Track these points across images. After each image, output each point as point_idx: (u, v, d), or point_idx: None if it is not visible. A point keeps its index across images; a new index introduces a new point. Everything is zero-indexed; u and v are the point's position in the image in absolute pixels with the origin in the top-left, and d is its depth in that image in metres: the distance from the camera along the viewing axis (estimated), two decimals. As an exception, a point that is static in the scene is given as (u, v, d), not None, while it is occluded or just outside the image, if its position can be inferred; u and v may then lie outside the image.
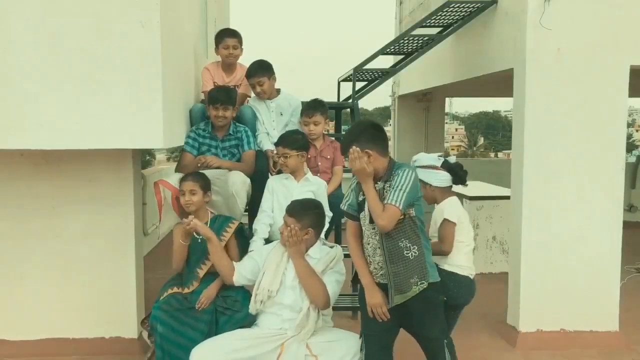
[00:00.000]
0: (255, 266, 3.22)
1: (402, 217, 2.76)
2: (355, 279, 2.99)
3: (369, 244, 2.90)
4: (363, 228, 2.92)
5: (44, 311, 4.14)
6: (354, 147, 2.81)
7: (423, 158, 3.60)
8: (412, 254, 2.79)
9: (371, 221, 2.83)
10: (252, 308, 3.11)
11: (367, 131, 2.89)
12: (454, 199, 3.56)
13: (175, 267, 3.52)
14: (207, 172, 3.82)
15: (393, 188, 2.75)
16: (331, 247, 3.31)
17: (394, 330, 2.96)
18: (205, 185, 3.53)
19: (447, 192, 3.54)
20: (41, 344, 4.11)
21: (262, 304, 3.08)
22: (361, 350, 2.94)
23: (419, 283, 2.78)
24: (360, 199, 2.91)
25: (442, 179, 3.52)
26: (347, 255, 3.19)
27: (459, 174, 3.56)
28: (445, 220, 3.42)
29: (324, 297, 3.03)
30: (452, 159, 3.64)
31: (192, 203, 3.45)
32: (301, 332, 2.97)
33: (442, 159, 3.57)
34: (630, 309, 4.75)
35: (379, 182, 2.84)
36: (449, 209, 3.47)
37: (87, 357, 4.08)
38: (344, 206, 3.00)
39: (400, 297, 2.80)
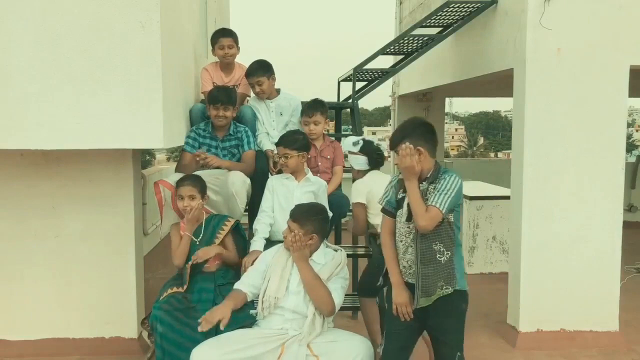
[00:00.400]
0: (259, 274, 3.18)
1: (440, 221, 2.75)
2: (386, 277, 2.97)
3: (401, 241, 2.88)
4: (397, 225, 2.90)
5: (44, 311, 4.14)
6: (406, 143, 2.77)
7: (344, 144, 3.92)
8: (443, 259, 2.77)
9: (408, 219, 2.81)
10: (259, 315, 3.09)
11: (421, 128, 2.85)
12: (363, 179, 3.83)
13: (177, 263, 3.52)
14: (207, 172, 3.83)
15: (438, 191, 2.73)
16: (335, 250, 3.29)
17: (416, 331, 2.94)
18: (203, 188, 3.56)
19: (365, 174, 3.85)
20: (41, 344, 4.11)
21: (268, 310, 3.06)
22: (381, 345, 2.98)
23: (443, 287, 2.77)
24: (400, 196, 2.88)
25: (360, 162, 3.87)
26: (348, 255, 3.19)
27: (373, 157, 3.87)
28: (352, 203, 3.78)
29: (330, 304, 3.02)
30: (369, 141, 3.93)
31: (191, 208, 3.45)
32: (309, 336, 2.96)
33: (361, 144, 3.88)
34: (630, 309, 4.76)
35: (423, 183, 2.80)
36: (354, 191, 3.81)
37: (87, 357, 4.08)
38: (381, 202, 2.98)
39: (425, 299, 2.79)
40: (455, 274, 2.79)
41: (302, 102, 4.38)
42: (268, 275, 3.12)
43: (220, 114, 3.93)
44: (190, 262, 3.43)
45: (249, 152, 4.07)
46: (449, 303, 2.80)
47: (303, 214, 3.15)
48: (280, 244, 3.28)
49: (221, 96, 3.94)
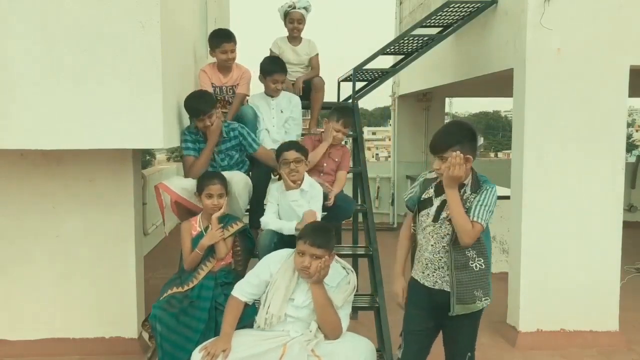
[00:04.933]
0: (261, 284, 3.07)
1: None
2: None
3: (424, 237, 2.82)
4: (421, 222, 2.83)
5: (44, 311, 4.14)
6: (457, 151, 2.62)
7: None
8: (477, 265, 2.74)
9: (434, 220, 2.75)
10: (261, 323, 3.00)
11: (472, 136, 2.70)
12: None
13: (187, 269, 3.51)
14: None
15: (480, 204, 2.67)
16: (343, 267, 3.13)
17: (433, 331, 2.91)
18: (227, 186, 3.58)
19: None
20: (41, 344, 4.11)
21: (269, 327, 2.98)
22: (399, 348, 2.95)
23: (483, 299, 2.74)
24: (425, 197, 2.82)
25: None
26: (348, 255, 3.12)
27: None
28: None
29: (338, 330, 2.95)
30: None
31: (220, 206, 3.47)
32: (312, 343, 2.90)
33: None
34: (630, 309, 4.76)
35: (464, 190, 2.72)
36: None
37: (87, 357, 4.08)
38: (405, 197, 2.97)
39: (462, 307, 2.73)
40: (490, 283, 2.78)
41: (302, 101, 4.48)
42: (272, 290, 2.98)
43: (207, 124, 3.79)
44: (202, 263, 3.45)
45: (262, 150, 4.02)
46: (473, 314, 2.78)
47: (324, 237, 2.93)
48: (286, 255, 3.10)
49: (203, 106, 3.79)
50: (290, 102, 4.40)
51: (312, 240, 2.89)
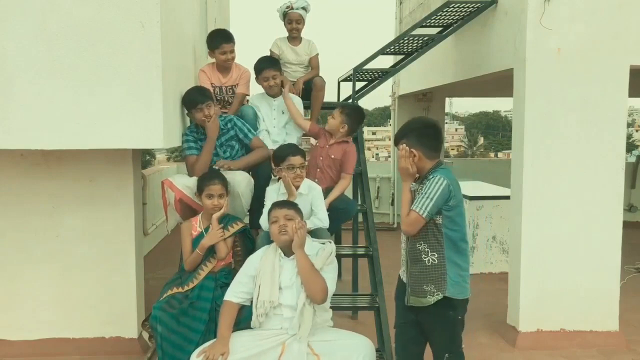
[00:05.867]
0: (250, 281, 3.11)
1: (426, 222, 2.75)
2: None
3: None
4: None
5: (44, 311, 4.14)
6: (403, 144, 2.81)
7: None
8: (429, 260, 2.77)
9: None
10: (255, 323, 3.02)
11: (418, 130, 2.86)
12: None
13: (188, 269, 3.51)
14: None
15: (422, 194, 2.74)
16: (322, 243, 3.24)
17: (417, 324, 2.92)
18: (227, 186, 3.59)
19: None
20: (41, 344, 4.11)
21: (264, 316, 3.01)
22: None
23: (435, 294, 2.76)
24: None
25: None
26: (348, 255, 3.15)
27: None
28: None
29: (324, 291, 2.99)
30: None
31: (220, 206, 3.48)
32: (300, 330, 2.94)
33: None
34: (630, 309, 4.76)
35: (413, 184, 2.85)
36: None
37: (87, 357, 4.08)
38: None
39: (414, 299, 2.82)
40: (446, 279, 2.76)
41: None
42: (258, 281, 3.05)
43: (207, 114, 3.83)
44: (202, 263, 3.45)
45: (256, 140, 4.05)
46: (440, 311, 2.79)
47: (289, 202, 3.27)
48: (264, 248, 3.21)
49: (196, 96, 3.85)
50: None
51: (280, 205, 3.18)
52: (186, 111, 4.00)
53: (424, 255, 2.79)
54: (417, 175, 2.89)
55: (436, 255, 2.77)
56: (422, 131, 2.85)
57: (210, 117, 3.85)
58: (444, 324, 2.86)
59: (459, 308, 2.84)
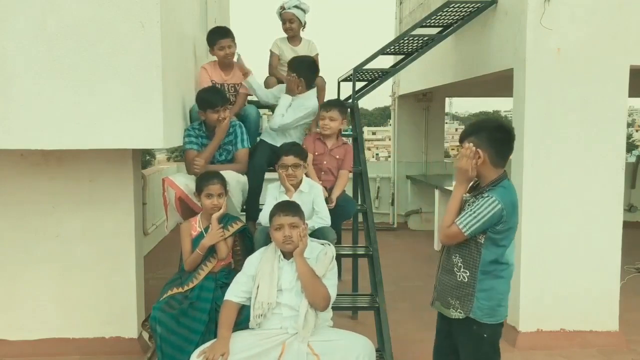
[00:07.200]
0: (249, 280, 3.11)
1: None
2: None
3: None
4: None
5: (44, 311, 4.14)
6: (470, 142, 2.53)
7: None
8: (460, 276, 2.61)
9: None
10: (253, 323, 3.02)
11: (490, 130, 2.56)
12: None
13: (188, 269, 3.51)
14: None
15: (470, 210, 2.51)
16: (322, 244, 3.23)
17: (448, 335, 2.79)
18: (226, 186, 3.58)
19: None
20: (41, 344, 4.11)
21: (262, 317, 3.01)
22: None
23: (458, 310, 2.62)
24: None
25: None
26: (348, 255, 3.13)
27: None
28: None
29: (326, 300, 2.99)
30: None
31: (220, 206, 3.47)
32: (302, 331, 2.94)
33: None
34: (630, 309, 4.76)
35: (467, 194, 2.60)
36: None
37: (87, 357, 4.08)
38: None
39: (439, 305, 2.74)
40: (473, 301, 2.57)
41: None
42: (257, 281, 3.04)
43: (222, 116, 3.87)
44: (202, 263, 3.45)
45: (242, 151, 4.01)
46: (466, 329, 2.63)
47: (294, 206, 3.14)
48: (264, 249, 3.21)
49: (216, 99, 3.87)
50: (306, 107, 4.23)
51: (286, 211, 3.06)
52: (197, 109, 3.99)
53: (456, 269, 2.63)
54: (476, 182, 2.65)
55: (468, 274, 2.58)
56: (494, 133, 2.55)
57: (224, 120, 3.88)
58: (469, 339, 2.66)
59: (485, 329, 2.62)
